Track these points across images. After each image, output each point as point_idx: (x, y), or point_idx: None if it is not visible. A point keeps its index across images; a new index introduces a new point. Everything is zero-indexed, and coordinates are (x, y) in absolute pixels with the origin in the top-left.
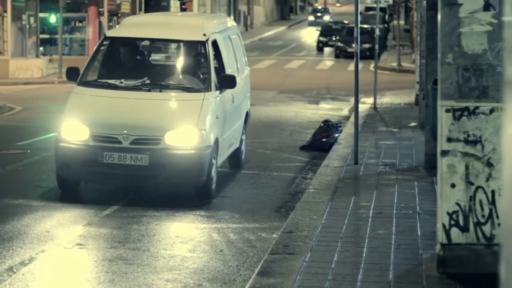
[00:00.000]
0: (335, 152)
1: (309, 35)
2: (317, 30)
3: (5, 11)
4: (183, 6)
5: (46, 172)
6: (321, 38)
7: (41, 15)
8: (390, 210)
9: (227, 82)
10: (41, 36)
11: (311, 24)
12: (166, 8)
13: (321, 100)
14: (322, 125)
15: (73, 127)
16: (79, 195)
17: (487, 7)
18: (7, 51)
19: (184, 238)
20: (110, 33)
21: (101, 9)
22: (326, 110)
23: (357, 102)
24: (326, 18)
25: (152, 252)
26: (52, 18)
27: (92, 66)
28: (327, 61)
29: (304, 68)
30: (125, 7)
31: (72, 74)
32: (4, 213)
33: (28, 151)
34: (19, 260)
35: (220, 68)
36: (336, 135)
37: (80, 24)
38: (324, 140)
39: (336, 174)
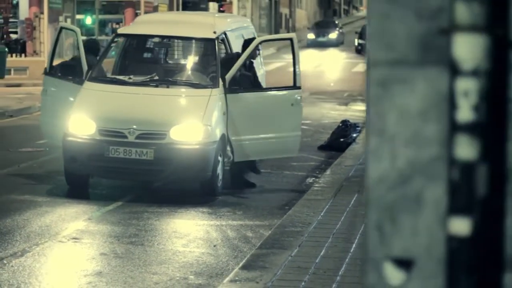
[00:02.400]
0: (350, 151)
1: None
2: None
3: (42, 13)
4: (221, 8)
5: (58, 169)
6: (360, 41)
7: (78, 16)
8: None
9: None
10: None
11: (311, 44)
12: (205, 10)
13: (351, 102)
14: (340, 125)
15: (80, 122)
16: (86, 191)
17: None
18: (43, 52)
19: (181, 233)
20: (121, 31)
21: (138, 11)
22: (354, 111)
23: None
24: (333, 36)
25: (145, 247)
26: (88, 20)
27: (103, 62)
28: (364, 64)
29: (340, 70)
30: (162, 9)
31: (65, 70)
32: (8, 207)
33: (47, 149)
34: (11, 252)
35: (231, 66)
36: (354, 135)
37: (117, 26)
38: (341, 140)
39: (345, 172)
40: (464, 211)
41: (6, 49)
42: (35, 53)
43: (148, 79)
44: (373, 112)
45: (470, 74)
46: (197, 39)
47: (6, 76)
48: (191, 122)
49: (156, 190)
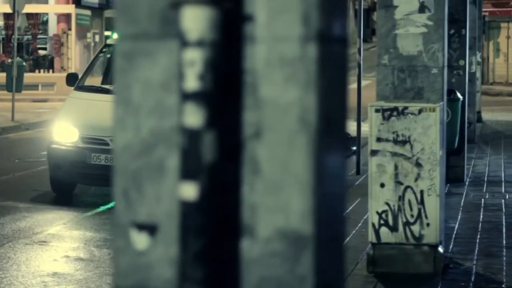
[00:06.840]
0: (351, 161)
1: None
2: None
3: (70, 29)
4: None
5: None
6: None
7: (106, 33)
8: (362, 216)
9: None
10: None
11: None
12: None
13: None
14: None
15: (64, 129)
16: (70, 198)
17: (422, 9)
18: (71, 68)
19: None
20: (110, 41)
21: None
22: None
23: (359, 111)
24: None
25: (110, 250)
26: (115, 36)
27: (90, 72)
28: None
29: (368, 88)
30: None
31: (72, 80)
32: None
33: None
34: None
35: None
36: (354, 148)
37: None
38: None
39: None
40: (191, 177)
41: (24, 63)
42: (62, 69)
43: None
44: (119, 84)
45: (196, 45)
46: None
47: (34, 92)
48: None
49: None
